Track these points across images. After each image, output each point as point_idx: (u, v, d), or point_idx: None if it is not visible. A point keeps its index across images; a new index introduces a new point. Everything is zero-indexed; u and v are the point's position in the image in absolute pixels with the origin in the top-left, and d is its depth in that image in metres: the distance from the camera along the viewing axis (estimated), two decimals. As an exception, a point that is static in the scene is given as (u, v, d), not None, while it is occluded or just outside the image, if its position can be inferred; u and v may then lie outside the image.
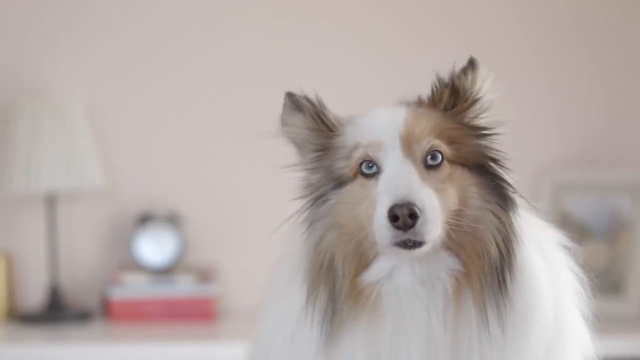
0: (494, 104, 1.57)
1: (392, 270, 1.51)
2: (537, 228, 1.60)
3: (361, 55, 3.47)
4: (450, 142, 1.52)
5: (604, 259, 3.36)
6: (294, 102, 1.58)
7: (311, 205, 1.55)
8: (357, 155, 1.52)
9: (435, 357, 1.49)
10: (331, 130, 1.56)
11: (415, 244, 1.46)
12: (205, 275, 3.38)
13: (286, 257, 1.60)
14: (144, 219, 3.38)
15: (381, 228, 1.46)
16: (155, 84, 3.47)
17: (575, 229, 3.38)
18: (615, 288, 3.32)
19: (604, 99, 3.52)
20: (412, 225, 1.44)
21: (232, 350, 3.05)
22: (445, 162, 1.51)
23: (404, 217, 1.43)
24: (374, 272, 1.52)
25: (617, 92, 3.53)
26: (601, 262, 3.36)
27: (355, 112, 1.60)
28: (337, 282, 1.51)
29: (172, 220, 3.39)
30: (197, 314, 3.33)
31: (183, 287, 3.34)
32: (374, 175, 1.51)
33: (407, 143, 1.51)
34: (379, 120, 1.54)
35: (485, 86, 1.56)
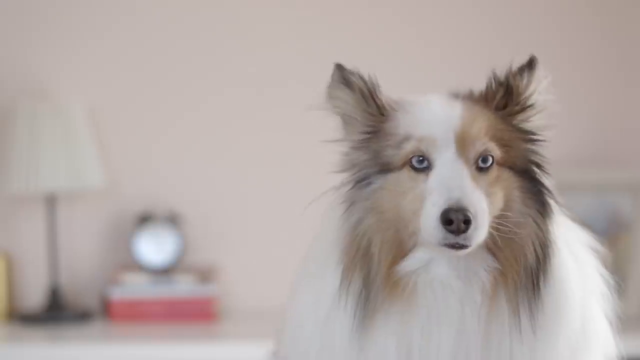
0: (547, 106, 1.60)
1: (429, 262, 1.51)
2: (569, 230, 1.61)
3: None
4: (502, 144, 1.52)
5: (604, 259, 3.36)
6: (344, 77, 1.56)
7: (353, 187, 1.54)
8: (409, 147, 1.51)
9: (466, 351, 1.49)
10: (382, 114, 1.54)
11: (463, 247, 1.46)
12: (205, 275, 3.38)
13: (323, 235, 1.58)
14: (144, 219, 3.38)
15: (431, 228, 1.45)
16: (155, 84, 3.47)
17: (575, 229, 3.39)
18: (615, 288, 3.32)
19: (604, 98, 3.52)
20: (465, 231, 1.44)
21: (232, 350, 3.05)
22: (494, 165, 1.51)
23: (458, 223, 1.43)
24: (411, 262, 1.51)
25: (617, 92, 3.53)
26: (601, 262, 3.36)
27: (406, 96, 1.58)
28: (372, 269, 1.51)
29: (172, 220, 3.39)
30: (197, 314, 3.33)
31: (183, 287, 3.34)
32: (425, 170, 1.50)
33: (462, 143, 1.50)
34: (434, 113, 1.53)
35: (541, 87, 1.58)
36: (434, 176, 1.49)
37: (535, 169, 1.55)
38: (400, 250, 1.52)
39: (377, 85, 1.56)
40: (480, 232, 1.45)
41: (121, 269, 3.40)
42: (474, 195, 1.46)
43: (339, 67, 1.57)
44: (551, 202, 1.55)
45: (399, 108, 1.55)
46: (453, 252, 1.47)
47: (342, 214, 1.54)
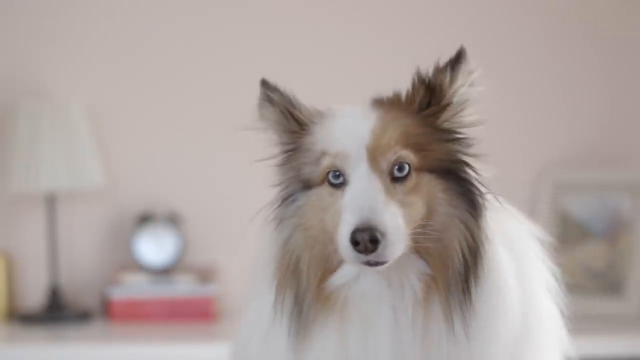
0: (478, 99, 1.53)
1: (358, 275, 1.51)
2: (511, 223, 1.58)
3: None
4: (419, 149, 1.50)
5: (604, 259, 3.36)
6: (267, 94, 1.57)
7: (281, 204, 1.55)
8: (325, 164, 1.51)
9: (405, 358, 1.49)
10: (302, 129, 1.55)
11: (378, 263, 1.45)
12: (205, 275, 3.38)
13: (261, 252, 1.60)
14: (144, 219, 3.38)
15: (344, 248, 1.45)
16: (155, 84, 3.47)
17: (575, 229, 3.39)
18: (615, 288, 3.32)
19: (604, 99, 3.52)
20: (374, 250, 1.43)
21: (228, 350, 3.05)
22: (412, 172, 1.49)
23: (364, 243, 1.43)
24: (341, 276, 1.52)
25: (617, 92, 3.53)
26: (601, 262, 3.36)
27: (336, 104, 1.58)
28: (301, 285, 1.52)
29: (172, 220, 3.39)
30: (197, 314, 3.33)
31: (183, 287, 3.34)
32: (341, 185, 1.50)
33: (373, 155, 1.49)
34: (346, 127, 1.52)
35: (470, 81, 1.53)
36: (348, 193, 1.49)
37: (462, 168, 1.51)
38: (329, 265, 1.52)
39: (295, 100, 1.56)
40: (394, 247, 1.44)
41: (121, 269, 3.40)
42: (385, 213, 1.44)
43: (263, 84, 1.58)
44: (482, 200, 1.50)
45: (318, 120, 1.55)
46: (371, 269, 1.47)
47: (273, 231, 1.55)
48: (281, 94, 1.57)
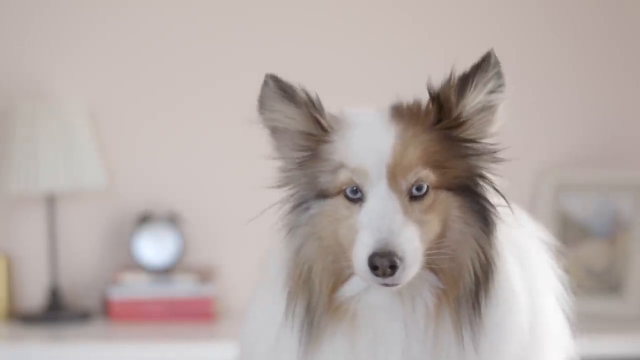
0: (499, 104, 1.52)
1: (370, 287, 1.50)
2: (521, 231, 1.57)
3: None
4: (438, 166, 1.48)
5: (604, 259, 3.36)
6: (284, 89, 1.53)
7: (292, 211, 1.54)
8: (342, 177, 1.49)
9: None
10: (322, 135, 1.52)
11: (393, 285, 1.45)
12: (204, 275, 3.38)
13: (272, 257, 1.59)
14: (144, 219, 3.38)
15: (360, 269, 1.45)
16: (155, 84, 3.47)
17: (575, 229, 3.39)
18: (615, 288, 3.32)
19: (604, 99, 3.52)
20: (392, 274, 1.43)
21: (232, 350, 3.05)
22: (430, 190, 1.48)
23: (383, 268, 1.42)
24: (352, 287, 1.51)
25: (617, 92, 3.53)
26: (601, 262, 3.36)
27: (347, 111, 1.55)
28: (313, 296, 1.51)
29: (172, 220, 3.39)
30: (196, 314, 3.33)
31: (183, 287, 3.34)
32: (359, 200, 1.48)
33: (393, 174, 1.47)
34: (366, 141, 1.49)
35: (493, 86, 1.51)
36: (365, 211, 1.47)
37: (478, 182, 1.50)
38: (340, 276, 1.51)
39: (321, 104, 1.53)
40: (410, 270, 1.44)
41: (121, 269, 3.40)
42: (403, 236, 1.43)
43: (275, 79, 1.54)
44: (495, 216, 1.49)
45: (337, 127, 1.52)
46: (385, 288, 1.46)
47: (285, 238, 1.54)
48: (306, 92, 1.53)
